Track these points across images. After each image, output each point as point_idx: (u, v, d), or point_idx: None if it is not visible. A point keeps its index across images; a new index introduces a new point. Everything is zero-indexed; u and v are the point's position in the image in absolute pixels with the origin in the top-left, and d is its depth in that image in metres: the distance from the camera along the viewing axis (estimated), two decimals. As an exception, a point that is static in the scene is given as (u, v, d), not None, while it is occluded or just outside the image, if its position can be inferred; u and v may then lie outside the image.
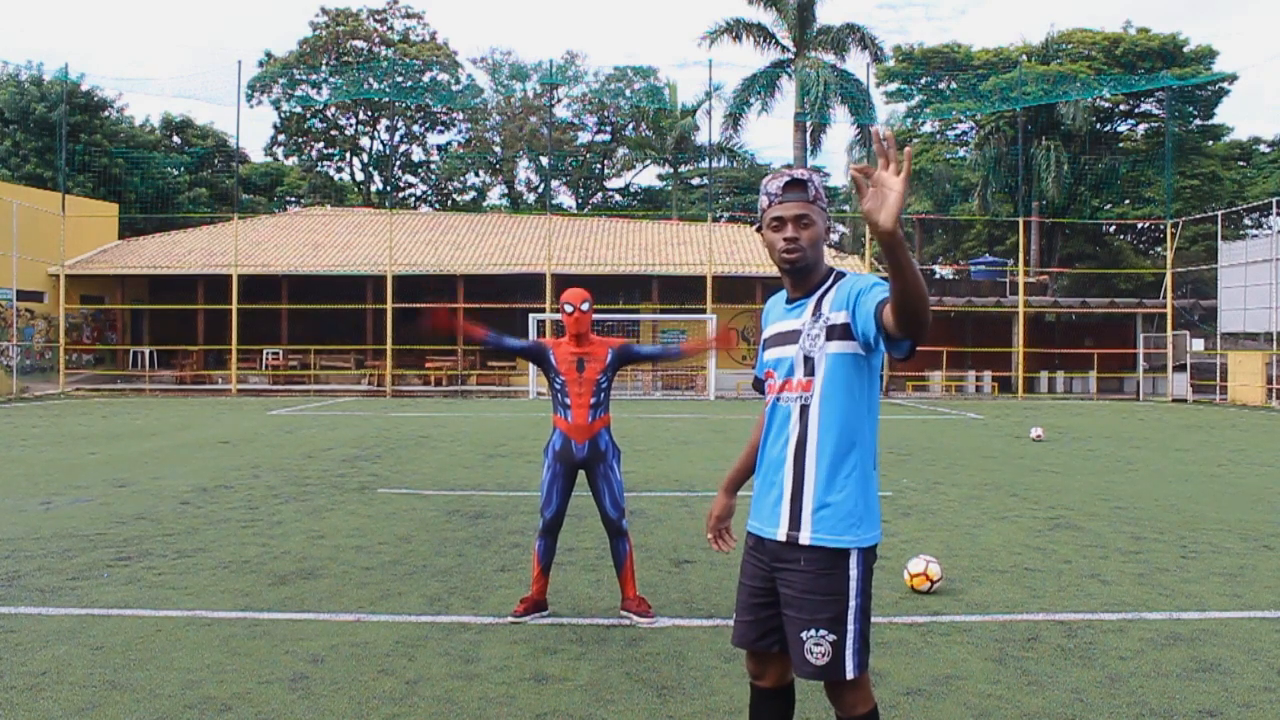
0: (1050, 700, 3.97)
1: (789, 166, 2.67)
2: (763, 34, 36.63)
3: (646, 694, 4.04)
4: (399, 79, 43.49)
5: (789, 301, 2.69)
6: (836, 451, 2.54)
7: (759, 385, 2.82)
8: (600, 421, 5.08)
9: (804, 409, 2.57)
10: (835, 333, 2.53)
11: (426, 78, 48.75)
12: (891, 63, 42.34)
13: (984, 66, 40.45)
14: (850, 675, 2.51)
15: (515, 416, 19.46)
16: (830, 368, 2.54)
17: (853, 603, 2.51)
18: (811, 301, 2.61)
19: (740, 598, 2.74)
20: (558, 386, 5.06)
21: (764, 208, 2.62)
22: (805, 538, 2.53)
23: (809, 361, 2.56)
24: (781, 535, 2.56)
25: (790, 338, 2.62)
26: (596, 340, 5.10)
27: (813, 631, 2.50)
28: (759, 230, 2.68)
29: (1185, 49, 40.41)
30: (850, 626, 2.50)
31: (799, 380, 2.58)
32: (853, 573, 2.52)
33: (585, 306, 5.01)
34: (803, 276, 2.62)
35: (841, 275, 2.64)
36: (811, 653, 2.50)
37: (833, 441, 2.54)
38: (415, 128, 53.98)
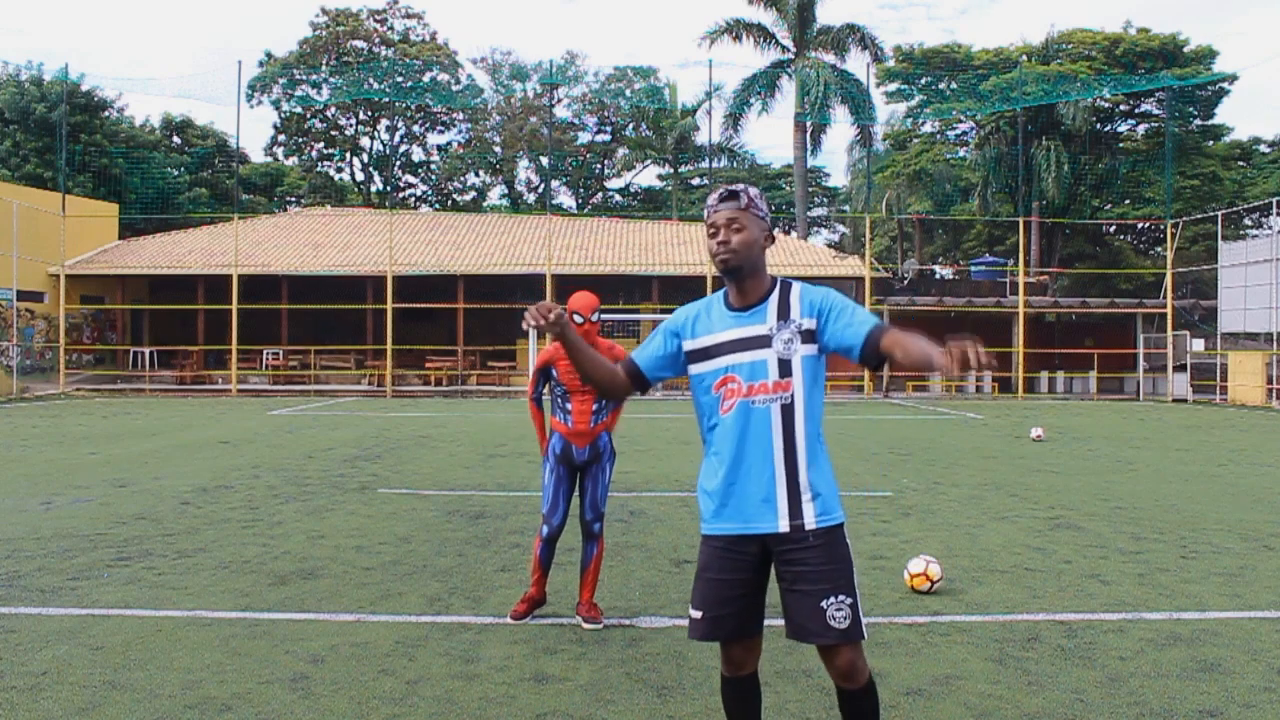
0: (1050, 700, 3.97)
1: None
2: (763, 34, 36.63)
3: (646, 694, 4.04)
4: (399, 79, 43.46)
5: (736, 309, 2.84)
6: (812, 440, 2.79)
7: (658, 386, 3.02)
8: (602, 425, 5.05)
9: (785, 408, 2.77)
10: (806, 337, 2.79)
11: (426, 78, 48.69)
12: (892, 63, 42.26)
13: (984, 66, 40.39)
14: (864, 635, 2.75)
15: (515, 416, 19.45)
16: (803, 368, 2.79)
17: (853, 566, 2.79)
18: (770, 308, 2.81)
19: (712, 594, 2.82)
20: (559, 394, 5.03)
21: (706, 220, 2.85)
22: (810, 522, 2.74)
23: (785, 364, 2.77)
24: (784, 526, 2.74)
25: (756, 343, 2.79)
26: (603, 346, 4.93)
27: (833, 598, 2.70)
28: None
29: (1185, 49, 40.35)
30: (857, 589, 2.76)
31: (774, 382, 2.77)
32: (847, 540, 2.81)
33: (595, 317, 4.92)
34: (744, 280, 2.82)
35: (789, 284, 2.87)
36: (834, 618, 2.69)
37: (812, 432, 2.80)
38: (415, 128, 53.98)
